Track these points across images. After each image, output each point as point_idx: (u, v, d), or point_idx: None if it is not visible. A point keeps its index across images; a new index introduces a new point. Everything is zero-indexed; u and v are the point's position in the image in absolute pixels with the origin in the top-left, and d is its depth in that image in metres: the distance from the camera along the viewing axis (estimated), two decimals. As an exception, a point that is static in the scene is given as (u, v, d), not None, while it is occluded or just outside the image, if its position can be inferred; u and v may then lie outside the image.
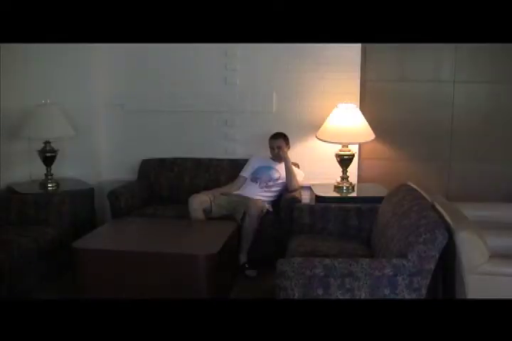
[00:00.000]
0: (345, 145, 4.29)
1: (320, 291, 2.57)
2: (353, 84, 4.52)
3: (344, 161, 4.29)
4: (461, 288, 2.62)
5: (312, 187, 4.31)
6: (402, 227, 2.76)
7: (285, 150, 4.25)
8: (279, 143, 4.25)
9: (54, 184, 4.41)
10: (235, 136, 4.70)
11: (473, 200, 4.02)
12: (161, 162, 4.68)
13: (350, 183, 4.32)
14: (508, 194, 4.46)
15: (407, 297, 2.57)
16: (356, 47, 4.45)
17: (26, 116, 4.34)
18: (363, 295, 2.57)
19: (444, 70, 4.57)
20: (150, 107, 4.73)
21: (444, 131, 4.61)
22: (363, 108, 4.43)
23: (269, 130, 4.39)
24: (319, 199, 4.07)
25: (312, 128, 4.45)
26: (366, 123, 4.26)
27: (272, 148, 4.29)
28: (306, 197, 4.39)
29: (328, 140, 4.25)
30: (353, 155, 4.31)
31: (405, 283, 2.56)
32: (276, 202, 4.20)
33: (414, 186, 3.31)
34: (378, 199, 3.55)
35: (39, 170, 4.48)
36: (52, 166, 4.46)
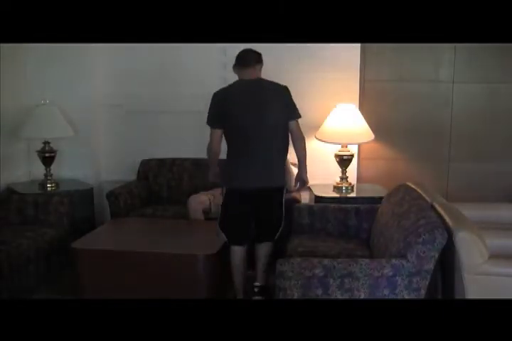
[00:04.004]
0: (344, 146, 4.29)
1: (319, 291, 2.57)
2: (352, 84, 4.52)
3: (343, 161, 4.29)
4: (460, 289, 2.61)
5: (311, 188, 4.31)
6: (402, 228, 2.76)
7: None
8: None
9: (53, 184, 4.39)
10: (234, 137, 4.69)
11: (473, 200, 4.02)
12: (161, 162, 4.67)
13: (350, 183, 4.32)
14: (508, 194, 4.46)
15: (406, 297, 2.57)
16: (355, 48, 4.45)
17: (26, 116, 4.34)
18: (362, 295, 2.57)
19: (443, 70, 4.57)
20: (149, 107, 4.73)
21: (444, 131, 4.62)
22: (362, 108, 4.43)
23: (268, 130, 4.38)
24: (318, 199, 4.08)
25: (311, 128, 4.43)
26: (365, 123, 4.26)
27: None
28: (305, 198, 4.39)
29: (328, 140, 4.26)
30: (352, 156, 4.31)
31: (404, 283, 2.56)
32: (275, 203, 4.19)
33: (414, 186, 3.31)
34: (377, 200, 3.56)
35: (38, 170, 4.48)
36: (52, 166, 4.45)
